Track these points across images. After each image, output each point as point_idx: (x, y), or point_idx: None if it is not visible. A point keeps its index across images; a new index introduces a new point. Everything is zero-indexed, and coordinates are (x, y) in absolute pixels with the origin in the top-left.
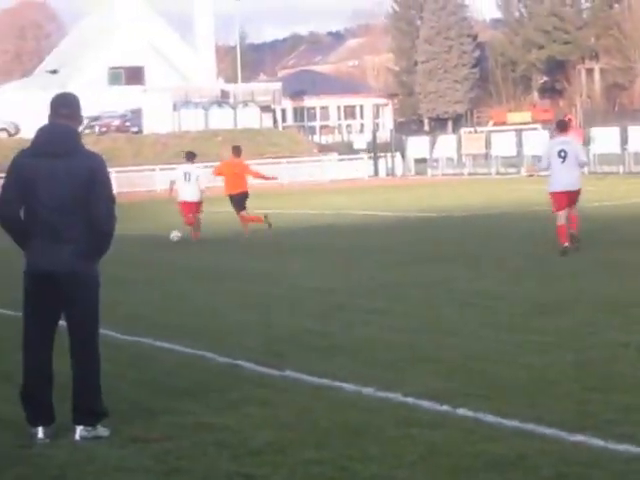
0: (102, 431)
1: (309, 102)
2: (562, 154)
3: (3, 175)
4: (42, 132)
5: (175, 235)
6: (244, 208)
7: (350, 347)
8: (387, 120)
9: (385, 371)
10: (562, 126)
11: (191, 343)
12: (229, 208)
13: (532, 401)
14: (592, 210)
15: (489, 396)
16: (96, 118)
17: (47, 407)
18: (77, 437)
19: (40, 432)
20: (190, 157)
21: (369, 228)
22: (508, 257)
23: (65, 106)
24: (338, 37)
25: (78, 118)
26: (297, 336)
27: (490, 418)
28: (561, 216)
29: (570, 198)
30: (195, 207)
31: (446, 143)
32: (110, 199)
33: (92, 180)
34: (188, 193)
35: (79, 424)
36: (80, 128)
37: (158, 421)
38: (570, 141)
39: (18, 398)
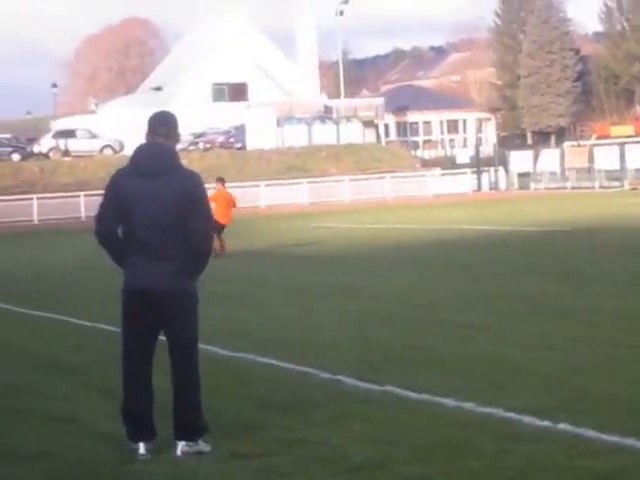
0: (203, 446)
1: (412, 117)
2: None
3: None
4: (140, 151)
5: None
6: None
7: (450, 362)
8: (490, 134)
9: (485, 386)
10: None
11: (292, 358)
12: (337, 224)
13: (633, 416)
14: None
15: (589, 411)
16: (200, 134)
17: (148, 423)
18: (178, 452)
19: (142, 448)
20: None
21: (472, 242)
22: (611, 272)
23: (163, 125)
24: (440, 52)
25: (176, 137)
26: (397, 351)
27: (590, 433)
28: None
29: None
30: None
31: (549, 157)
32: (207, 218)
33: (190, 199)
34: None
35: (180, 439)
36: (182, 145)
37: (260, 436)
38: None
39: (119, 414)
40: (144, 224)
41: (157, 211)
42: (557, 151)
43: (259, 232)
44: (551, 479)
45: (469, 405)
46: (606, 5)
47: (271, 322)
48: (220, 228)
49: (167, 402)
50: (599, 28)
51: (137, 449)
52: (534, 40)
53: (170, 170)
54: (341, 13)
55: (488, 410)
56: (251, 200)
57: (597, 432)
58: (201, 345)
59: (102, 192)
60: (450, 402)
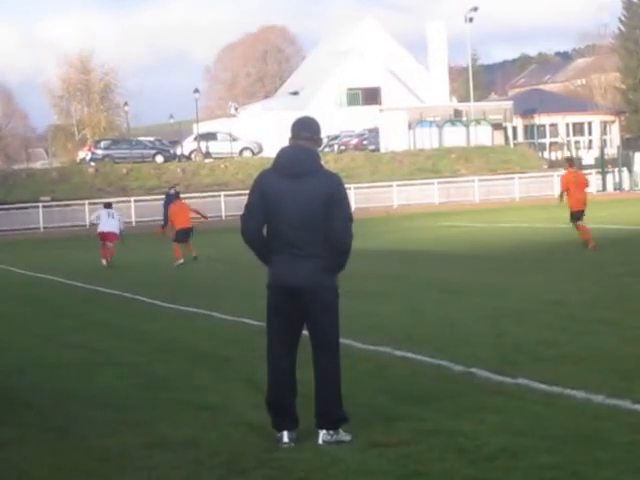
0: (344, 436)
1: (539, 120)
2: None
3: (247, 192)
4: (284, 153)
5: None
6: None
7: (580, 356)
8: (614, 136)
9: (614, 379)
10: None
11: (427, 352)
12: (467, 222)
13: None
14: None
15: None
16: (335, 137)
17: (291, 413)
18: (320, 441)
19: (285, 436)
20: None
21: (599, 241)
22: None
23: (306, 129)
24: (566, 57)
25: (318, 141)
26: (529, 346)
27: None
28: None
29: None
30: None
31: None
32: (347, 218)
33: (331, 199)
34: (109, 226)
35: (322, 428)
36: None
37: (396, 426)
38: None
39: (264, 404)
40: (288, 223)
41: (300, 210)
42: None
43: (393, 231)
44: None
45: (599, 397)
46: None
47: (406, 317)
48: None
49: (309, 393)
50: None
51: (281, 438)
52: None
53: (312, 171)
54: (470, 20)
55: (617, 402)
56: (384, 200)
57: None
58: (341, 340)
59: (241, 192)
60: (580, 394)
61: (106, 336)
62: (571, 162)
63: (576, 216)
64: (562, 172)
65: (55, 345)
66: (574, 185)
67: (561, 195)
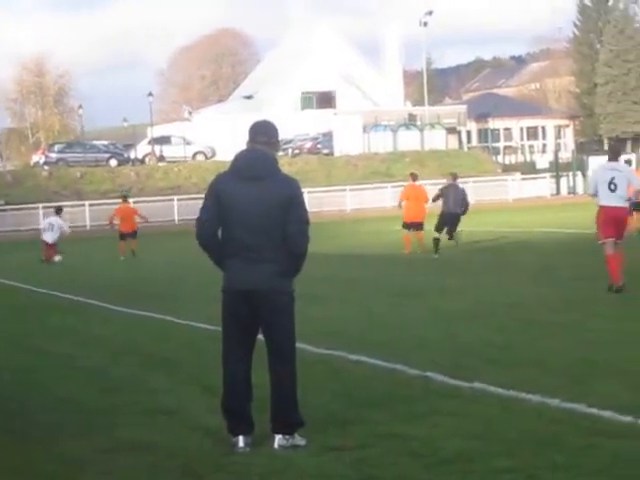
0: (299, 440)
1: (493, 124)
2: (612, 183)
3: (201, 196)
4: (241, 156)
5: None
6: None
7: (536, 360)
8: (568, 140)
9: (571, 383)
10: (615, 151)
11: (382, 356)
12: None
13: None
14: None
15: None
16: (289, 141)
17: (247, 418)
18: (276, 446)
19: (241, 441)
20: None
21: (553, 245)
22: None
23: (263, 133)
24: (520, 61)
25: (276, 144)
26: (484, 349)
27: None
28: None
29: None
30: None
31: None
32: (304, 221)
33: (288, 203)
34: (50, 237)
35: (277, 433)
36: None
37: (352, 430)
38: (622, 169)
39: (220, 409)
40: (244, 227)
41: (257, 214)
42: (633, 156)
43: (347, 235)
44: (636, 473)
45: (554, 401)
46: None
47: (360, 321)
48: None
49: (265, 397)
50: None
51: (236, 442)
52: (611, 49)
53: (270, 175)
54: (425, 24)
55: (573, 406)
56: (338, 204)
57: None
58: (297, 343)
59: (195, 196)
60: (536, 398)
61: (61, 340)
62: (414, 177)
63: (411, 226)
64: (516, 176)
65: (14, 349)
66: (413, 198)
67: (400, 204)
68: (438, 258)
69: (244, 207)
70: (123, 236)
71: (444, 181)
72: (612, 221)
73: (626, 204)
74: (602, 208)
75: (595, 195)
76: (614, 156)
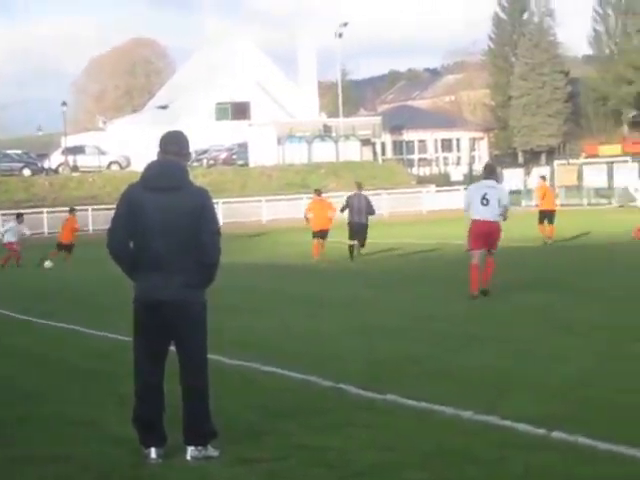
0: (212, 451)
1: (408, 136)
2: (485, 199)
3: (114, 207)
4: (151, 167)
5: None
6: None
7: (450, 372)
8: (483, 153)
9: (484, 395)
10: (489, 170)
11: (296, 367)
12: (335, 238)
13: (627, 425)
14: None
15: (585, 420)
16: (204, 151)
17: (159, 429)
18: (188, 457)
19: (153, 452)
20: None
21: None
22: (607, 286)
23: (174, 144)
24: (435, 73)
25: (186, 155)
26: (398, 361)
27: (585, 441)
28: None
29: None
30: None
31: (539, 175)
32: (215, 232)
33: (199, 214)
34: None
35: (190, 444)
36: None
37: (265, 442)
38: (495, 185)
39: (131, 420)
40: (155, 237)
41: (168, 224)
42: (547, 169)
43: (262, 246)
44: None
45: (467, 414)
46: (595, 29)
47: (275, 332)
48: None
49: (178, 408)
50: (589, 51)
51: (149, 454)
52: (526, 62)
53: (181, 186)
54: (340, 35)
55: (486, 418)
56: (254, 215)
57: (592, 440)
58: (209, 354)
59: (109, 206)
60: (449, 410)
61: None
62: (318, 192)
63: (319, 235)
64: (431, 188)
65: None
66: (319, 209)
67: (306, 218)
68: (353, 268)
69: (155, 217)
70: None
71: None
72: (482, 234)
73: (498, 218)
74: (474, 222)
75: (467, 210)
76: (489, 174)
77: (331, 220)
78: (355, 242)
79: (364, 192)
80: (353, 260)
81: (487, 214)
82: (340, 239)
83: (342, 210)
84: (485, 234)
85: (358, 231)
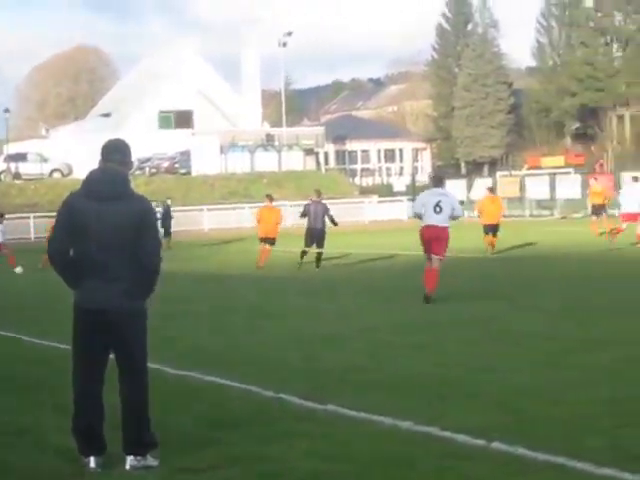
0: (152, 461)
1: (351, 146)
2: (438, 206)
3: (55, 214)
4: (93, 175)
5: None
6: None
7: (390, 382)
8: (426, 164)
9: (424, 406)
10: (438, 180)
11: (237, 377)
12: (277, 247)
13: (565, 435)
14: None
15: (524, 430)
16: (146, 160)
17: (98, 438)
18: (127, 467)
19: (92, 462)
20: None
21: (409, 267)
22: (545, 298)
23: (116, 152)
24: (378, 84)
25: (128, 164)
26: (339, 371)
27: (523, 452)
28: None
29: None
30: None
31: (482, 186)
32: (156, 240)
33: (141, 223)
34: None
35: (129, 454)
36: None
37: (206, 452)
38: (447, 194)
39: (70, 429)
40: (96, 245)
41: (109, 233)
42: (490, 180)
43: (203, 254)
44: None
45: (407, 424)
46: (538, 41)
47: (217, 342)
48: None
49: (118, 417)
50: (532, 63)
51: (88, 463)
52: (469, 73)
53: (122, 195)
54: (284, 44)
55: (426, 429)
56: (196, 224)
57: (530, 451)
58: (150, 364)
59: (51, 213)
60: (388, 420)
61: None
62: (270, 198)
63: (268, 242)
64: (373, 199)
65: None
66: (267, 216)
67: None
68: (298, 277)
69: (95, 226)
70: None
71: (306, 202)
72: (430, 239)
73: (447, 224)
74: (423, 228)
75: (419, 217)
76: (438, 183)
77: (277, 229)
78: (309, 249)
79: (323, 201)
80: (301, 264)
81: (437, 220)
82: (289, 248)
83: (301, 216)
84: (434, 239)
85: (317, 237)
